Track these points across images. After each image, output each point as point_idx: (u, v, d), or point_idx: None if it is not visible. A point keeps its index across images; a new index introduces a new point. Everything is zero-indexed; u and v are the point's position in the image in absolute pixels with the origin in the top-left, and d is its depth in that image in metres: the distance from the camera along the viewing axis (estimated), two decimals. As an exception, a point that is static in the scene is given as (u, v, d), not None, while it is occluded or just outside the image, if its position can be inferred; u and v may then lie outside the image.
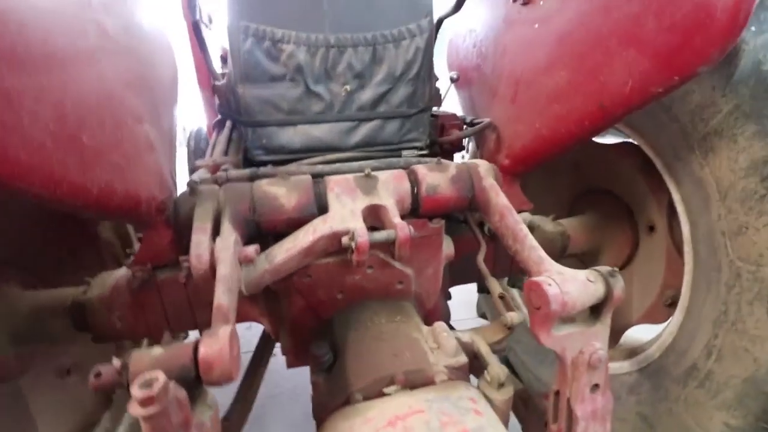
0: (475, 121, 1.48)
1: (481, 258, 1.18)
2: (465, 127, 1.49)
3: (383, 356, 0.93)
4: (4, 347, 1.23)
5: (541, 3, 1.20)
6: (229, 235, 0.87)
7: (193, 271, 0.84)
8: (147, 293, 1.21)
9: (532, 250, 0.93)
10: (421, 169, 1.06)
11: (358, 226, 0.90)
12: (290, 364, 1.27)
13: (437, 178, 1.05)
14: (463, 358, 0.94)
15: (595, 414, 0.88)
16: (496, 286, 1.11)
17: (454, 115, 1.51)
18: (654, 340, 1.36)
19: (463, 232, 1.34)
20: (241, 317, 1.33)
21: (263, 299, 1.25)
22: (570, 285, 0.81)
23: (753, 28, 0.94)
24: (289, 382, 2.17)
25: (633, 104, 0.97)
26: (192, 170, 1.24)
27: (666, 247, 1.42)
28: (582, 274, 0.84)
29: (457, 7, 1.35)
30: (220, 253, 0.82)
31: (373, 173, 1.01)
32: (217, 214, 0.93)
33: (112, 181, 0.95)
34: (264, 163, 1.25)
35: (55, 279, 1.46)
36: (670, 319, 1.30)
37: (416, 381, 0.89)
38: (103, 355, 1.61)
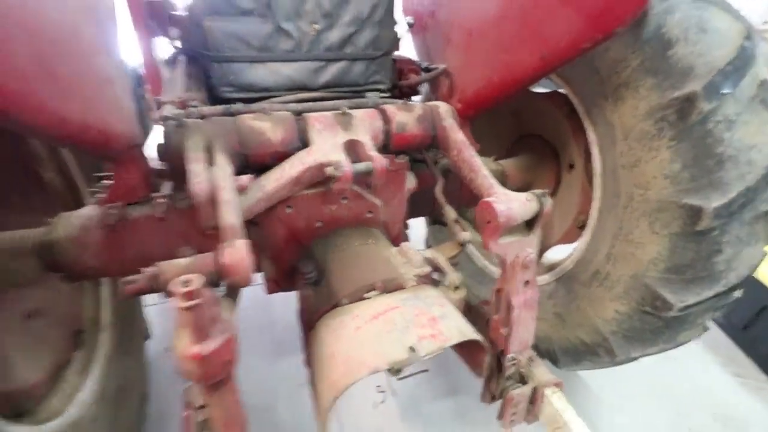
0: (430, 66, 1.60)
1: (439, 190, 1.36)
2: (421, 72, 1.61)
3: (363, 269, 1.10)
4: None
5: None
6: (225, 164, 0.94)
7: (195, 199, 0.91)
8: (121, 230, 1.23)
9: (485, 178, 1.12)
10: (390, 108, 1.18)
11: (342, 158, 1.02)
12: (270, 290, 1.39)
13: (405, 117, 1.18)
14: (427, 269, 1.15)
15: (526, 303, 1.15)
16: (451, 212, 1.32)
17: (410, 60, 1.62)
18: (567, 256, 1.69)
19: (419, 170, 1.51)
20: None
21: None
22: (513, 203, 1.03)
23: (656, -4, 1.16)
24: (253, 319, 2.31)
25: (567, 57, 1.16)
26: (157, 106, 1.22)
27: (581, 181, 1.72)
28: (522, 195, 1.06)
29: None
30: (220, 181, 0.90)
31: (348, 111, 1.11)
32: (208, 146, 0.98)
33: (86, 114, 0.95)
34: (232, 101, 1.28)
35: (6, 224, 1.40)
36: (580, 237, 1.62)
37: (391, 287, 1.08)
38: (64, 296, 1.60)
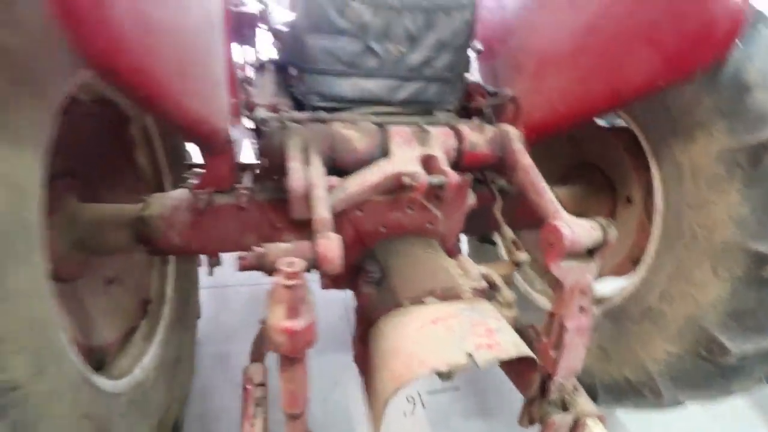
0: (497, 90, 1.67)
1: (497, 209, 1.42)
2: (488, 95, 1.68)
3: (423, 276, 1.17)
4: (66, 251, 1.36)
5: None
6: (318, 165, 1.05)
7: (293, 193, 1.01)
8: (206, 215, 1.37)
9: (550, 202, 1.17)
10: (464, 129, 1.26)
11: (419, 170, 1.10)
12: (325, 287, 1.48)
13: (477, 137, 1.26)
14: (483, 283, 1.20)
15: (580, 329, 1.16)
16: (509, 231, 1.37)
17: (479, 84, 1.69)
18: (617, 291, 1.68)
19: (477, 189, 1.56)
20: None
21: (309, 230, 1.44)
22: (578, 229, 1.06)
23: (738, 42, 1.18)
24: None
25: (642, 93, 1.20)
26: (249, 108, 1.37)
27: (639, 216, 1.72)
28: (587, 223, 1.10)
29: None
30: (315, 179, 1.00)
31: (426, 127, 1.20)
32: (305, 148, 1.10)
33: (202, 110, 1.09)
34: (316, 108, 1.40)
35: (99, 196, 1.58)
36: (633, 272, 1.61)
37: (449, 296, 1.13)
38: (138, 268, 1.76)
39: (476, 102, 1.64)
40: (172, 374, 1.68)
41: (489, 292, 1.28)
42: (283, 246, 0.85)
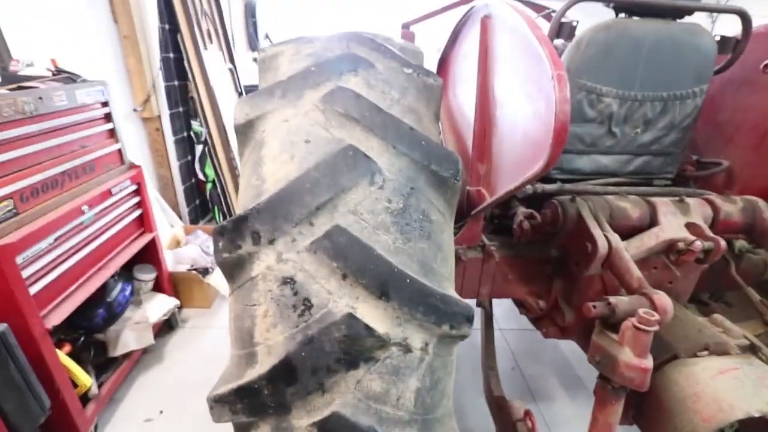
0: (703, 160, 1.82)
1: (733, 271, 1.52)
2: (696, 164, 1.83)
3: (692, 330, 1.31)
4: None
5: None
6: (610, 230, 1.30)
7: (599, 254, 1.26)
8: (458, 266, 1.67)
9: (820, 267, 1.27)
10: (717, 200, 1.43)
11: (691, 237, 1.29)
12: (550, 335, 1.67)
13: (730, 207, 1.42)
14: (745, 341, 1.30)
15: None
16: (754, 293, 1.46)
17: (688, 154, 1.86)
18: None
19: None
20: (506, 294, 1.76)
21: (537, 283, 1.67)
22: None
23: None
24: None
25: None
26: None
27: None
28: None
29: (726, 67, 1.69)
30: (618, 243, 1.24)
31: (686, 199, 1.40)
32: (595, 216, 1.36)
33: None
34: (553, 181, 1.67)
35: None
36: None
37: (719, 351, 1.25)
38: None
39: (687, 171, 1.80)
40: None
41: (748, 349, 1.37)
42: (626, 299, 1.07)
